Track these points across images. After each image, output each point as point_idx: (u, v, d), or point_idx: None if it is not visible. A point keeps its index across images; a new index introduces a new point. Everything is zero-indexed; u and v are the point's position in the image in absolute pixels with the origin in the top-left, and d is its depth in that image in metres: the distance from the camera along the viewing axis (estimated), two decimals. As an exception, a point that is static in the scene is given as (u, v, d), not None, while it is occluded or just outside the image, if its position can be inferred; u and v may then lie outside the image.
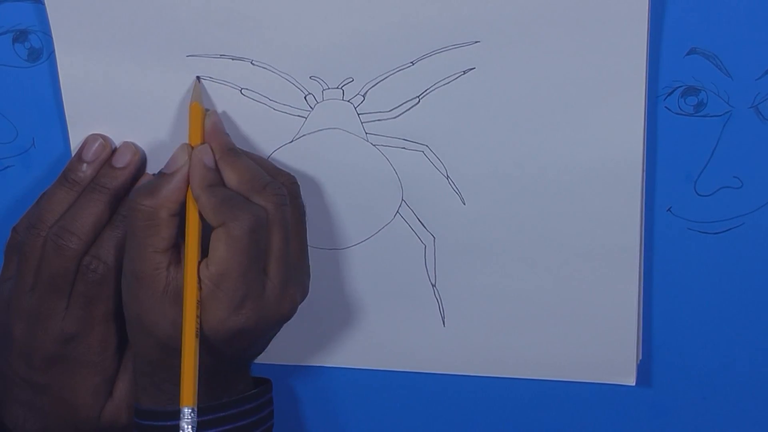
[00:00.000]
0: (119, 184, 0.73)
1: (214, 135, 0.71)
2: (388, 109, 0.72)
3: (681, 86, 0.71)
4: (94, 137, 0.74)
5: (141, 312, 0.70)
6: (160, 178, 0.70)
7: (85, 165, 0.73)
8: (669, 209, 0.74)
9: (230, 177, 0.70)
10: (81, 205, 0.72)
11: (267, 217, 0.69)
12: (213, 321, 0.69)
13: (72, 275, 0.72)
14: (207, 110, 0.72)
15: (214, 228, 0.69)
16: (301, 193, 0.73)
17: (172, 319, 0.69)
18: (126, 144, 0.74)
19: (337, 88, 0.72)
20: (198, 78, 0.72)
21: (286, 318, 0.71)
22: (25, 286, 0.73)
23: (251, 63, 0.71)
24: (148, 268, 0.69)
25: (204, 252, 0.69)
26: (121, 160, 0.73)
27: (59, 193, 0.73)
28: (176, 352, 0.69)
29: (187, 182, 0.69)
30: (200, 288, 0.69)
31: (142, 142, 0.74)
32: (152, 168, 0.74)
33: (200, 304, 0.69)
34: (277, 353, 0.77)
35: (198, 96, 0.72)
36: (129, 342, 0.73)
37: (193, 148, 0.70)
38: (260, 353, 0.74)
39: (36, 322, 0.73)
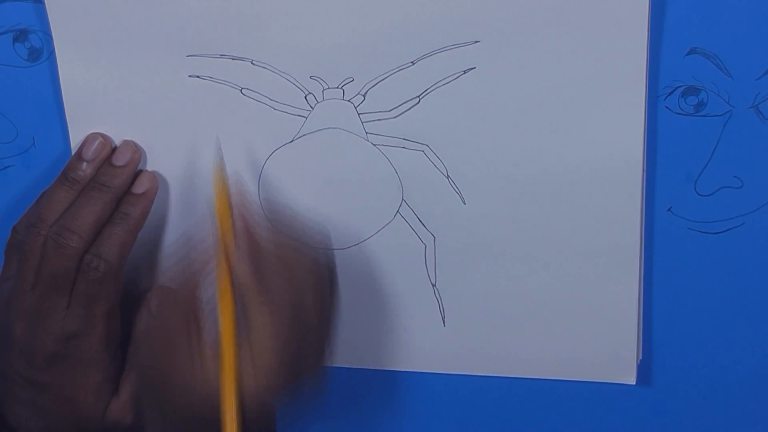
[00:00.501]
0: (120, 183, 0.73)
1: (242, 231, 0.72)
2: (389, 109, 0.72)
3: (681, 86, 0.71)
4: (94, 136, 0.74)
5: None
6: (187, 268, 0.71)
7: (85, 164, 0.73)
8: (669, 209, 0.74)
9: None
10: (81, 204, 0.72)
11: None
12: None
13: (73, 274, 0.72)
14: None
15: (254, 292, 0.70)
16: (302, 192, 0.73)
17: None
18: (126, 142, 0.74)
19: (338, 87, 0.72)
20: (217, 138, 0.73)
21: (320, 371, 0.73)
22: (26, 285, 0.73)
23: (251, 63, 0.71)
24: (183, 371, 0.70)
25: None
26: (121, 159, 0.73)
27: (59, 192, 0.73)
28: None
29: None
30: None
31: (142, 141, 0.74)
32: (152, 167, 0.74)
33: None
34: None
35: (220, 160, 0.73)
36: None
37: (218, 211, 0.71)
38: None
39: (37, 321, 0.73)
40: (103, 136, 0.74)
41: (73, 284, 0.72)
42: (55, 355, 0.73)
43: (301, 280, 0.70)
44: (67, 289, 0.72)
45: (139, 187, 0.74)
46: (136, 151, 0.74)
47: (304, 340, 0.70)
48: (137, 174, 0.74)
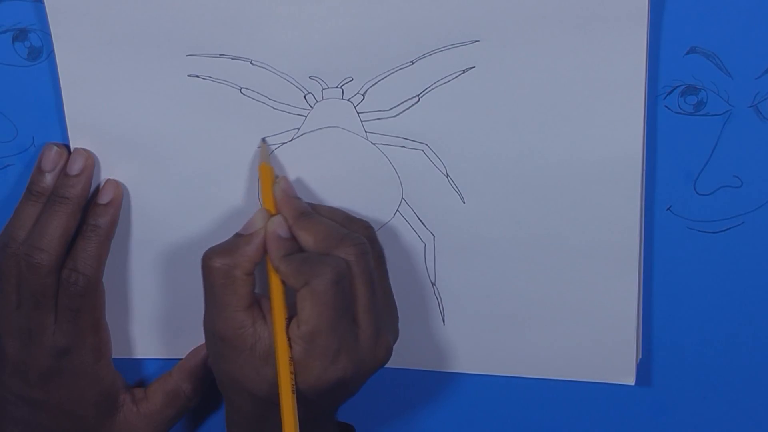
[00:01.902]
0: (78, 192, 0.73)
1: (285, 202, 0.72)
2: (388, 108, 0.72)
3: (681, 85, 0.71)
4: (49, 146, 0.74)
5: (231, 369, 0.71)
6: (237, 238, 0.71)
7: (46, 175, 0.73)
8: (669, 208, 0.74)
9: (307, 240, 0.71)
10: (45, 220, 0.72)
11: (349, 268, 0.69)
12: (311, 378, 0.69)
13: (52, 290, 0.73)
14: (277, 176, 0.73)
15: (299, 290, 0.69)
16: (301, 193, 0.73)
17: (265, 376, 0.70)
18: (77, 150, 0.74)
19: (337, 87, 0.72)
20: (263, 140, 0.73)
21: (382, 364, 0.72)
22: (11, 304, 0.73)
23: (251, 63, 0.71)
24: (232, 328, 0.70)
25: (289, 309, 0.70)
26: (74, 168, 0.73)
27: (27, 208, 0.73)
28: (271, 405, 0.70)
29: (263, 245, 0.70)
30: (291, 347, 0.69)
31: (142, 141, 0.74)
32: (152, 166, 0.74)
33: (294, 362, 0.69)
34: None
35: (266, 157, 0.73)
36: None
37: (268, 211, 0.71)
38: (351, 397, 0.74)
39: (28, 339, 0.73)
40: (58, 145, 0.74)
41: (56, 300, 0.73)
42: (49, 371, 0.74)
43: (341, 260, 0.69)
44: (51, 305, 0.73)
45: (105, 197, 0.74)
46: (89, 158, 0.73)
47: (357, 318, 0.70)
48: (102, 184, 0.74)
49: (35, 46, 0.73)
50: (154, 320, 0.79)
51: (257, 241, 0.70)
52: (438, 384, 0.80)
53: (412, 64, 0.71)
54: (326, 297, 0.68)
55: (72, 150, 0.74)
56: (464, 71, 0.71)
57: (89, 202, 0.74)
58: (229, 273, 0.69)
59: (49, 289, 0.73)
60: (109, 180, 0.74)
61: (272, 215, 0.71)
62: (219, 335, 0.70)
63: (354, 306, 0.70)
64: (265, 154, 0.73)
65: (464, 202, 0.74)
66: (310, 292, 0.68)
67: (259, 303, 0.71)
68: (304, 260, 0.69)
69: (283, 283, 0.70)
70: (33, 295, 0.72)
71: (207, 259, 0.70)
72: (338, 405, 0.74)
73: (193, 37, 0.71)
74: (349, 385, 0.71)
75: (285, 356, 0.69)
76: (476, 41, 0.70)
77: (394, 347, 0.74)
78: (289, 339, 0.69)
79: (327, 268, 0.68)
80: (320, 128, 0.73)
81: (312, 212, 0.72)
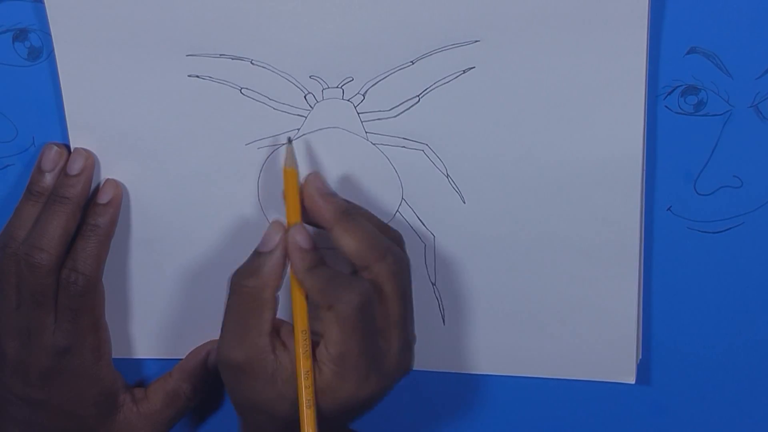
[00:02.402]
0: (78, 192, 0.73)
1: (325, 200, 0.70)
2: (388, 108, 0.72)
3: (681, 85, 0.71)
4: (49, 146, 0.74)
5: (250, 396, 0.70)
6: (258, 257, 0.69)
7: (46, 175, 0.73)
8: (669, 208, 0.74)
9: (348, 243, 0.69)
10: (45, 219, 0.72)
11: (381, 287, 0.68)
12: (340, 399, 0.69)
13: (52, 290, 0.73)
14: (308, 174, 0.71)
15: (323, 308, 0.68)
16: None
17: (288, 397, 0.69)
18: (77, 150, 0.74)
19: (337, 87, 0.72)
20: (289, 139, 0.72)
21: (407, 372, 0.72)
22: (11, 304, 0.73)
23: (251, 63, 0.71)
24: (254, 354, 0.69)
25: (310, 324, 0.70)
26: (74, 168, 0.73)
27: (27, 208, 0.73)
28: (292, 423, 0.69)
29: (285, 259, 0.69)
30: (321, 369, 0.69)
31: (142, 141, 0.74)
32: (151, 166, 0.74)
33: (324, 384, 0.68)
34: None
35: (292, 160, 0.71)
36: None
37: (288, 222, 0.70)
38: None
39: (28, 339, 0.73)
40: (58, 145, 0.74)
41: (56, 299, 0.73)
42: (50, 371, 0.74)
43: (367, 285, 0.68)
44: (51, 305, 0.73)
45: (104, 197, 0.74)
46: (89, 158, 0.73)
47: (388, 335, 0.69)
48: (101, 184, 0.74)
49: (35, 46, 0.73)
50: (153, 320, 0.79)
51: (279, 256, 0.69)
52: (438, 384, 0.80)
53: (412, 64, 0.71)
54: (353, 322, 0.67)
55: (72, 150, 0.74)
56: (464, 71, 0.71)
57: (89, 202, 0.74)
58: (258, 295, 0.69)
59: (49, 289, 0.73)
60: (108, 180, 0.74)
61: (287, 226, 0.70)
62: (236, 362, 0.69)
63: (385, 324, 0.69)
64: (291, 156, 0.71)
65: (464, 202, 0.74)
66: (336, 316, 0.67)
67: (278, 330, 0.70)
68: (331, 280, 0.68)
69: (306, 297, 0.70)
70: (33, 295, 0.72)
71: (235, 284, 0.69)
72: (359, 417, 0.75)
73: (193, 37, 0.71)
74: (377, 400, 0.71)
75: (306, 372, 0.69)
76: (476, 41, 0.70)
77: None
78: (317, 360, 0.69)
79: (353, 295, 0.67)
80: (320, 128, 0.73)
81: (354, 212, 0.70)
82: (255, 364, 0.69)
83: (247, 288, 0.69)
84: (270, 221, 0.73)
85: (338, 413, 0.70)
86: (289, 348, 0.69)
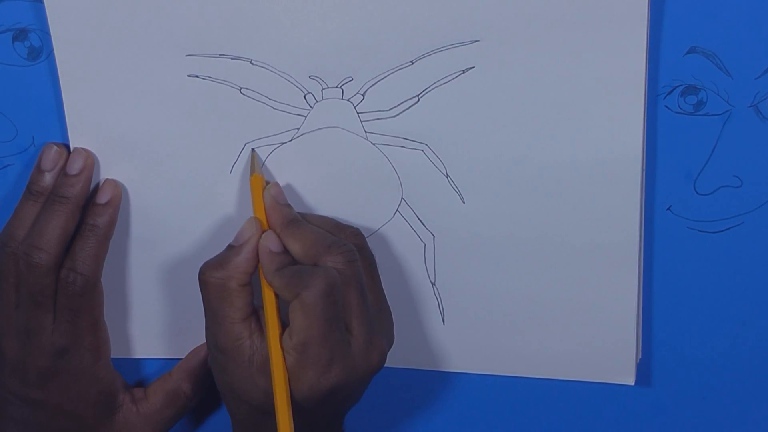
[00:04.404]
0: (78, 192, 0.73)
1: (274, 209, 0.72)
2: (388, 108, 0.72)
3: (681, 85, 0.71)
4: (49, 146, 0.74)
5: (231, 381, 0.71)
6: (229, 250, 0.71)
7: (46, 174, 0.73)
8: (669, 208, 0.74)
9: (295, 247, 0.71)
10: (45, 219, 0.72)
11: (338, 276, 0.70)
12: (304, 387, 0.70)
13: (51, 289, 0.73)
14: (267, 182, 0.73)
15: (291, 300, 0.69)
16: (300, 193, 0.73)
17: (263, 387, 0.70)
18: (77, 150, 0.74)
19: (337, 87, 0.72)
20: (253, 150, 0.73)
21: (376, 369, 0.72)
22: (10, 304, 0.73)
23: (251, 63, 0.71)
24: (231, 340, 0.70)
25: (284, 320, 0.71)
26: (74, 168, 0.73)
27: (26, 207, 0.73)
28: (268, 415, 0.70)
29: (256, 254, 0.71)
30: (285, 357, 0.70)
31: (141, 141, 0.74)
32: (151, 166, 0.74)
33: (288, 372, 0.70)
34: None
35: (257, 167, 0.73)
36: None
37: (257, 219, 0.72)
38: (354, 405, 0.75)
39: (27, 338, 0.73)
40: (57, 144, 0.74)
41: (55, 299, 0.73)
42: (49, 371, 0.74)
43: (331, 270, 0.70)
44: (50, 304, 0.73)
45: (103, 197, 0.74)
46: (89, 158, 0.73)
47: (349, 325, 0.70)
48: (101, 184, 0.74)
49: (35, 46, 0.73)
50: (153, 320, 0.79)
51: (248, 252, 0.71)
52: (438, 384, 0.80)
53: (412, 64, 0.71)
54: (316, 308, 0.69)
55: (72, 150, 0.74)
56: (464, 71, 0.71)
57: (88, 202, 0.74)
58: (224, 286, 0.70)
59: (48, 289, 0.73)
60: (107, 180, 0.74)
61: (262, 223, 0.72)
62: (219, 347, 0.71)
63: (346, 314, 0.70)
64: (256, 164, 0.73)
65: (464, 202, 0.74)
66: (301, 303, 0.69)
67: (256, 314, 0.71)
68: (295, 272, 0.70)
69: (277, 295, 0.71)
70: (32, 295, 0.72)
71: (202, 274, 0.71)
72: (341, 413, 0.75)
73: (193, 37, 0.71)
74: (344, 392, 0.71)
75: (280, 366, 0.70)
76: (476, 41, 0.70)
77: (394, 347, 0.74)
78: (282, 349, 0.70)
79: (317, 280, 0.69)
80: (320, 128, 0.73)
81: (300, 220, 0.73)
82: (233, 347, 0.70)
83: (212, 279, 0.70)
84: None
85: (306, 403, 0.70)
86: (265, 333, 0.71)
